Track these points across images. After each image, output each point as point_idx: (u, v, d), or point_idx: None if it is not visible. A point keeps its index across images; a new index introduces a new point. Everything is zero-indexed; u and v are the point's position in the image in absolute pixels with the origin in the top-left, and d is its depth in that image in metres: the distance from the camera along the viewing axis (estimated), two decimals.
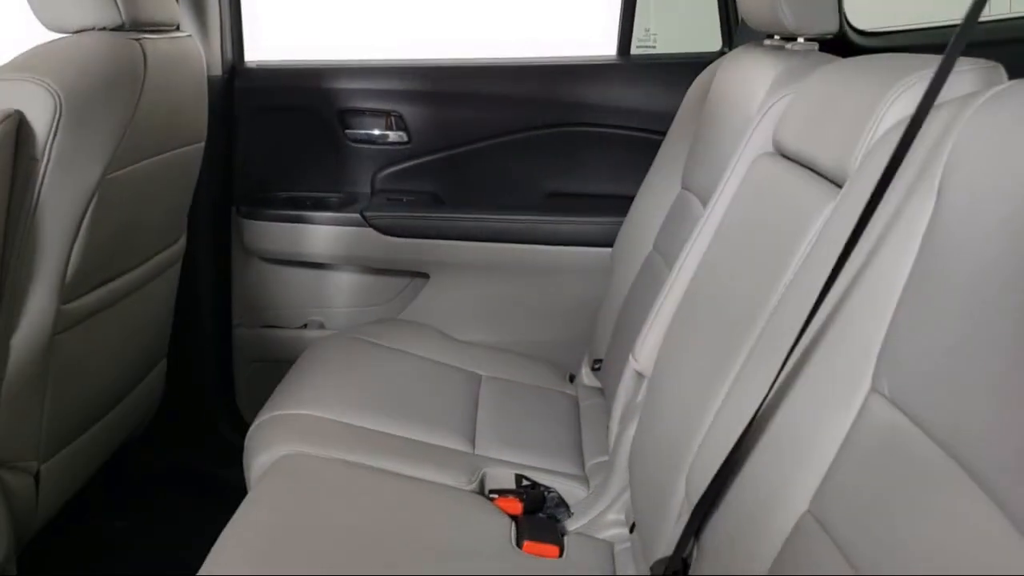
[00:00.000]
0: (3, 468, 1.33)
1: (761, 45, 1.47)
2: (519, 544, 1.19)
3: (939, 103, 0.74)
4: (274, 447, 1.35)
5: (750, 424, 0.81)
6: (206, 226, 1.90)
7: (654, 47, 2.03)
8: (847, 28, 1.69)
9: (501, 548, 1.17)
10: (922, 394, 0.67)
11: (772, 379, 0.80)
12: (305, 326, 2.05)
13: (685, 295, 1.22)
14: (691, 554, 0.89)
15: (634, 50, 2.00)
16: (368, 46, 2.13)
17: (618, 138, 1.96)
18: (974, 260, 0.64)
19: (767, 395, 0.81)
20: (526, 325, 1.96)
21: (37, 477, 1.39)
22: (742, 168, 1.19)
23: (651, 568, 0.95)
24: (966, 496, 0.58)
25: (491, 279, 1.96)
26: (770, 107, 1.20)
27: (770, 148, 1.18)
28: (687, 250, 1.27)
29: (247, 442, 1.41)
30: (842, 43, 1.57)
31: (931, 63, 0.94)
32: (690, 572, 0.88)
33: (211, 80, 1.83)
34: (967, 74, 0.87)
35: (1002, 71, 0.87)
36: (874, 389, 0.73)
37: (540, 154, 1.98)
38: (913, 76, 0.90)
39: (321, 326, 2.04)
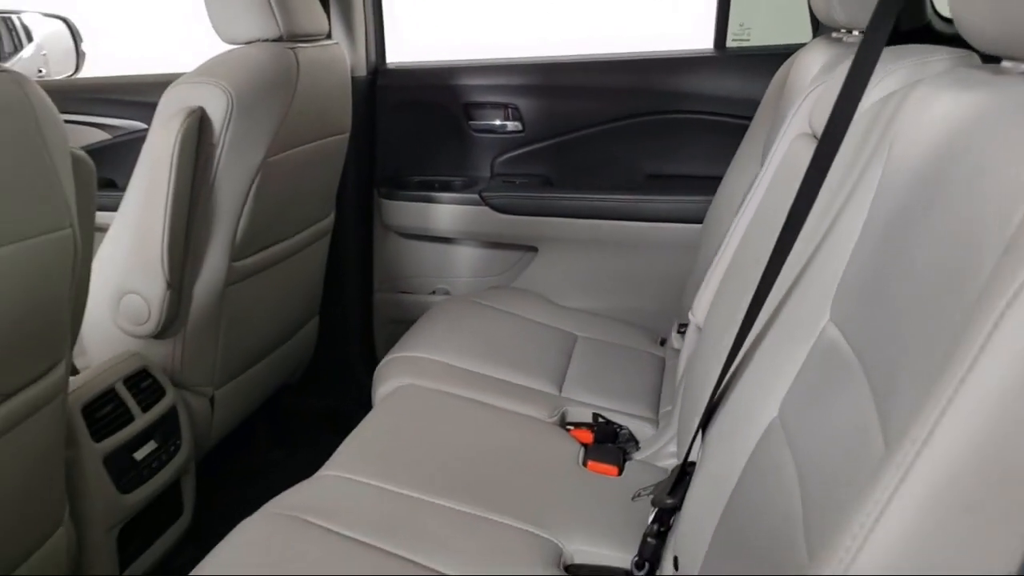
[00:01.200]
0: (187, 391, 1.69)
1: (829, 37, 1.62)
2: (584, 463, 1.42)
3: (910, 84, 0.91)
4: (393, 380, 1.64)
5: (739, 352, 1.01)
6: (351, 205, 2.23)
7: (748, 40, 2.19)
8: (934, 17, 1.79)
9: (568, 466, 1.41)
10: (852, 314, 0.85)
11: (756, 316, 1.00)
12: (433, 292, 2.35)
13: (733, 257, 1.41)
14: (698, 455, 1.10)
15: (729, 44, 2.16)
16: (489, 45, 2.40)
17: (711, 124, 2.13)
18: (897, 208, 0.82)
19: (751, 330, 1.00)
20: (624, 294, 2.17)
21: (212, 401, 1.76)
22: (783, 148, 1.37)
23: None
24: (863, 397, 0.76)
25: (594, 252, 2.18)
26: (809, 93, 1.36)
27: (807, 130, 1.34)
28: (737, 220, 1.45)
29: (375, 376, 1.71)
30: (926, 32, 1.66)
31: (922, 53, 1.10)
32: (696, 467, 1.09)
33: (357, 80, 2.16)
34: (943, 62, 1.03)
35: (975, 58, 1.02)
36: (831, 319, 0.91)
37: (640, 139, 2.18)
38: (900, 63, 1.06)
39: (446, 293, 2.34)
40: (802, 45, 2.08)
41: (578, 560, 1.19)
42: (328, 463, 1.35)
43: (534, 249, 2.25)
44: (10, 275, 0.96)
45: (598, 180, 2.21)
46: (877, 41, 0.86)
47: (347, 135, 2.01)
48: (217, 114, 1.55)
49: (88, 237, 1.14)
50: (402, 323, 2.32)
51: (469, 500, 1.25)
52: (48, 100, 1.00)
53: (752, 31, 2.16)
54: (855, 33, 1.50)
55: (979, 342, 0.50)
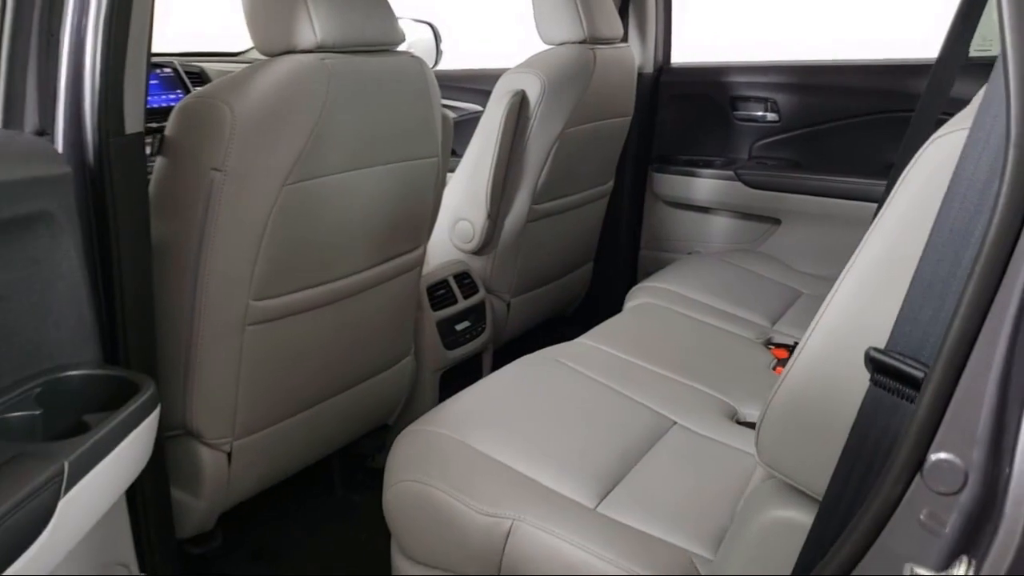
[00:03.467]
0: (492, 294, 2.34)
1: None
2: (773, 369, 1.84)
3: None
4: (638, 299, 2.17)
5: None
6: (629, 175, 2.77)
7: (988, 50, 2.40)
8: None
9: (758, 367, 1.84)
10: None
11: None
12: (689, 253, 2.83)
13: None
14: None
15: (971, 54, 2.40)
16: (752, 43, 2.80)
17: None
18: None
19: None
20: None
21: (508, 306, 2.39)
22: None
23: None
24: None
25: (829, 227, 2.54)
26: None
27: None
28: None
29: (627, 295, 2.25)
30: None
31: None
32: None
33: (644, 75, 2.71)
34: None
35: None
36: None
37: (883, 133, 2.49)
38: None
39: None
40: None
41: (747, 420, 1.64)
42: (585, 335, 1.89)
43: (777, 221, 2.65)
44: (403, 179, 1.61)
45: (840, 165, 2.56)
46: None
47: (629, 118, 2.54)
48: (533, 95, 2.16)
49: (443, 169, 1.78)
50: None
51: (674, 370, 1.74)
52: (432, 75, 1.64)
53: (994, 44, 2.38)
54: None
55: None
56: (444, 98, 3.01)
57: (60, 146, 1.11)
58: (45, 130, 1.05)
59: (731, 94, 2.72)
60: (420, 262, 1.82)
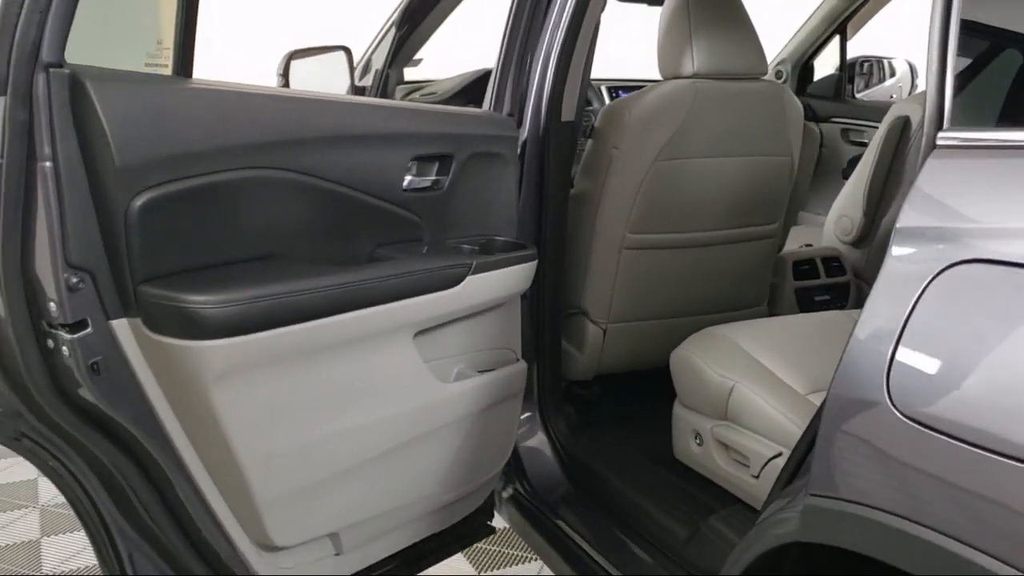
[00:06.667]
0: (862, 280, 2.79)
1: None
2: None
3: None
4: None
5: None
6: None
7: None
8: None
9: None
10: None
11: None
12: None
13: None
14: None
15: None
16: None
17: None
18: None
19: None
20: None
21: None
22: None
23: None
24: None
25: None
26: None
27: None
28: None
29: None
30: None
31: None
32: None
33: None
34: None
35: None
36: None
37: None
38: None
39: None
40: None
41: None
42: None
43: None
44: (754, 168, 2.26)
45: None
46: None
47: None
48: (916, 122, 2.57)
49: (804, 171, 2.36)
50: None
51: None
52: (790, 96, 2.26)
53: None
54: None
55: None
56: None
57: (526, 126, 2.04)
58: (512, 113, 1.99)
59: None
60: (774, 234, 2.40)
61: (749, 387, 1.80)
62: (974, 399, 0.95)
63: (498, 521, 2.22)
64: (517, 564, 2.68)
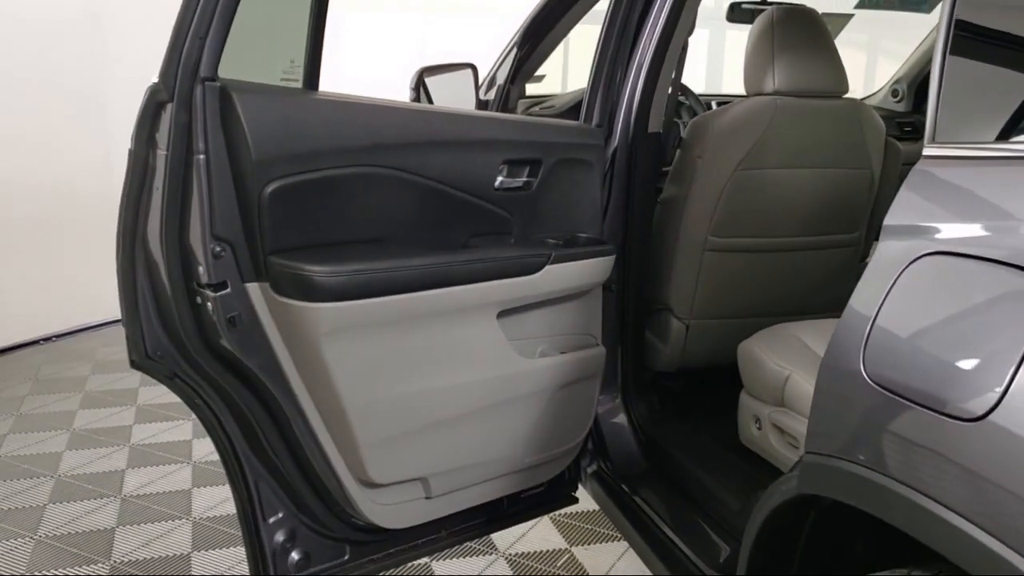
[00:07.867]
0: None
1: None
2: None
3: None
4: None
5: None
6: None
7: None
8: None
9: None
10: None
11: None
12: None
13: None
14: None
15: None
16: None
17: None
18: None
19: None
20: None
21: None
22: None
23: None
24: None
25: None
26: None
27: None
28: None
29: None
30: None
31: None
32: None
33: None
34: None
35: None
36: None
37: None
38: None
39: None
40: None
41: None
42: None
43: None
44: (833, 180, 2.38)
45: None
46: None
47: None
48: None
49: (888, 184, 2.45)
50: None
51: None
52: (868, 112, 2.37)
53: None
54: None
55: None
56: None
57: (616, 136, 2.27)
58: (601, 124, 2.22)
59: None
60: (852, 244, 2.48)
61: (802, 376, 1.95)
62: (928, 368, 1.11)
63: (584, 497, 2.45)
64: (603, 542, 2.89)
